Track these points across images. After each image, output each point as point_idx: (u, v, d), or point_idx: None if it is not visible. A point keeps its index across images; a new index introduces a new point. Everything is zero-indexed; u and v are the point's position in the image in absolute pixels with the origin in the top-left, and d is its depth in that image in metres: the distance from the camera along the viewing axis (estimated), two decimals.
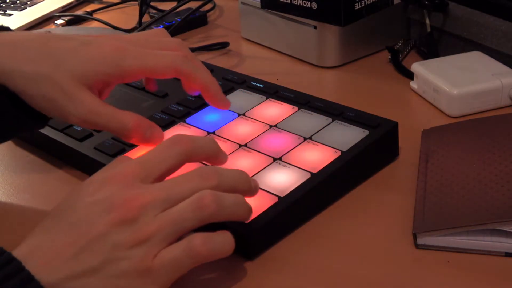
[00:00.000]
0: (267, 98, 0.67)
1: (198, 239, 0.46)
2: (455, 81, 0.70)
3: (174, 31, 0.95)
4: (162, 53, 0.55)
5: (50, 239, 0.45)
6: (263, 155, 0.59)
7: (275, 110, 0.65)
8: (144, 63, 0.54)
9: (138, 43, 0.56)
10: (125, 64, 0.54)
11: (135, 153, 0.62)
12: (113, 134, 0.55)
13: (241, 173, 0.50)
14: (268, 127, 0.63)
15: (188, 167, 0.50)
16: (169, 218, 0.45)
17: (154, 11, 1.05)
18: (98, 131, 0.65)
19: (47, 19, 1.10)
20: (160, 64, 0.54)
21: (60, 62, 0.53)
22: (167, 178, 0.49)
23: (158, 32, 0.59)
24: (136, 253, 0.44)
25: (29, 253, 0.44)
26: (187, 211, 0.46)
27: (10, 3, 1.16)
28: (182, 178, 0.48)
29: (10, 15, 1.10)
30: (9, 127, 0.56)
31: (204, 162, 0.54)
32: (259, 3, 0.88)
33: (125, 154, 0.61)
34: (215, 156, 0.52)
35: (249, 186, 0.50)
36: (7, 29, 0.59)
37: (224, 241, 0.47)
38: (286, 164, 0.57)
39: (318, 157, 0.58)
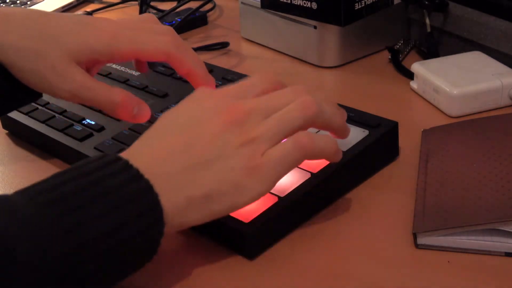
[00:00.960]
0: None
1: (303, 134, 0.49)
2: (455, 81, 0.70)
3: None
4: (154, 38, 0.57)
5: (160, 140, 0.48)
6: None
7: None
8: (136, 47, 0.56)
9: (131, 26, 0.58)
10: (118, 46, 0.56)
11: None
12: (101, 109, 0.56)
13: (335, 105, 0.55)
14: None
15: None
16: (277, 118, 0.49)
17: (154, 11, 1.05)
18: (99, 131, 0.65)
19: None
20: (152, 49, 0.56)
21: (53, 39, 0.55)
22: None
23: (149, 18, 0.60)
24: (244, 151, 0.47)
25: (139, 151, 0.47)
26: (293, 110, 0.49)
27: (10, 3, 1.16)
28: (281, 93, 0.52)
29: None
30: (2, 99, 0.57)
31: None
32: (259, 3, 0.88)
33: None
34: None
35: (344, 127, 0.55)
36: None
37: (328, 140, 0.51)
38: None
39: None
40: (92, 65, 0.58)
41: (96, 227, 0.41)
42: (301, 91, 0.52)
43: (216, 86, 0.70)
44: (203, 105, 0.50)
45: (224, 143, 0.47)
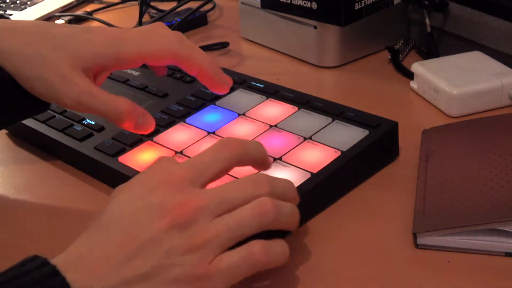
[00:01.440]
0: (267, 98, 0.67)
1: (258, 246, 0.44)
2: (455, 81, 0.70)
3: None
4: (159, 39, 0.56)
5: (97, 246, 0.43)
6: None
7: (275, 110, 0.65)
8: (141, 48, 0.55)
9: (137, 32, 0.57)
10: (123, 49, 0.55)
11: (137, 153, 0.62)
12: (106, 118, 0.55)
13: (289, 182, 0.49)
14: (268, 127, 0.63)
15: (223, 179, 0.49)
16: (228, 223, 0.44)
17: (154, 11, 1.05)
18: (99, 131, 0.65)
19: (47, 19, 1.10)
20: (157, 49, 0.55)
21: (58, 46, 0.54)
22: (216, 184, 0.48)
23: (157, 24, 0.59)
24: (191, 259, 0.43)
25: (73, 262, 0.42)
26: (248, 217, 0.45)
27: (10, 3, 1.16)
28: (235, 184, 0.47)
29: (10, 15, 1.10)
30: (10, 110, 0.57)
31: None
32: (259, 3, 0.88)
33: (127, 153, 0.61)
34: (262, 161, 0.50)
35: (296, 195, 0.49)
36: (7, 18, 0.60)
37: (281, 249, 0.46)
38: (286, 164, 0.57)
39: (318, 157, 0.58)
40: (98, 72, 0.56)
41: None
42: (262, 184, 0.46)
43: None
44: (148, 199, 0.44)
45: (167, 251, 0.42)
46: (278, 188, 0.48)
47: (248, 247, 0.44)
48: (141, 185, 0.46)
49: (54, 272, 0.40)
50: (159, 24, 0.59)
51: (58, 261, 0.42)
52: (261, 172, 0.51)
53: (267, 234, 0.46)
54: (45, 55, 0.53)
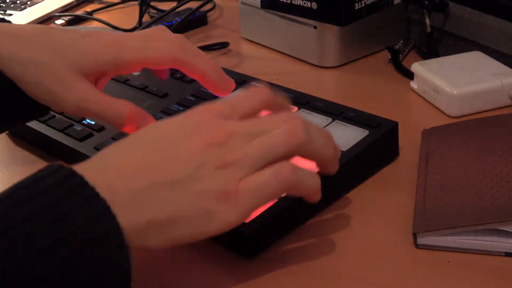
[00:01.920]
0: None
1: (288, 165, 0.45)
2: (455, 81, 0.70)
3: (174, 31, 0.95)
4: (159, 44, 0.56)
5: (131, 152, 0.44)
6: None
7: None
8: (141, 54, 0.55)
9: (137, 36, 0.57)
10: (123, 55, 0.55)
11: None
12: (107, 122, 0.55)
13: (326, 131, 0.50)
14: None
15: None
16: (259, 143, 0.45)
17: (154, 11, 1.05)
18: (99, 131, 0.65)
19: (47, 19, 1.10)
20: (158, 55, 0.55)
21: (58, 52, 0.54)
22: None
23: (158, 28, 0.59)
24: (222, 174, 0.43)
25: (100, 164, 0.43)
26: (278, 136, 0.46)
27: (10, 3, 1.16)
28: (268, 118, 0.48)
29: (10, 15, 1.10)
30: (10, 114, 0.57)
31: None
32: (259, 3, 0.88)
33: None
34: (288, 108, 0.52)
35: (336, 145, 0.51)
36: (8, 22, 0.60)
37: (312, 177, 0.47)
38: None
39: None
40: (99, 77, 0.56)
41: (47, 261, 0.36)
42: (294, 118, 0.48)
43: None
44: (184, 121, 0.46)
45: (200, 164, 0.43)
46: (315, 141, 0.48)
47: (278, 167, 0.45)
48: (177, 115, 0.47)
49: (71, 173, 0.40)
50: (161, 27, 0.59)
51: (81, 166, 0.41)
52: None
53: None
54: (45, 62, 0.53)
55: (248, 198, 0.44)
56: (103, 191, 0.39)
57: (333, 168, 0.51)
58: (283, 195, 0.49)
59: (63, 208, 0.38)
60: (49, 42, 0.55)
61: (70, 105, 0.53)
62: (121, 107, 0.54)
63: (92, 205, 0.39)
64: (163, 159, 0.43)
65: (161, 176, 0.42)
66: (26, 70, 0.53)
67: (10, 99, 0.55)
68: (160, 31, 0.58)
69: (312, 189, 0.47)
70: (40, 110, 0.57)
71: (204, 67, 0.56)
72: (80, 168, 0.41)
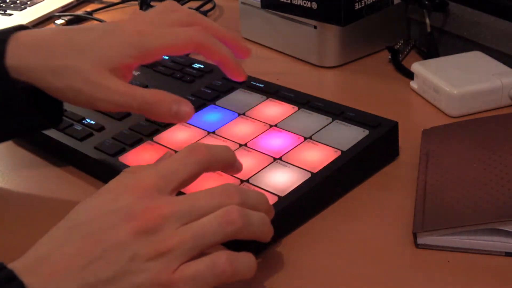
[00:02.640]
0: (267, 98, 0.67)
1: (224, 256, 0.43)
2: (455, 81, 0.70)
3: None
4: (181, 30, 0.56)
5: (60, 248, 0.42)
6: (263, 154, 0.59)
7: (275, 109, 0.65)
8: (165, 41, 0.55)
9: (156, 23, 0.57)
10: (148, 45, 0.55)
11: (137, 152, 0.62)
12: (139, 113, 0.54)
13: (262, 194, 0.49)
14: (268, 126, 0.63)
15: (203, 179, 0.49)
16: (193, 231, 0.43)
17: None
18: (99, 131, 0.65)
19: (47, 19, 1.10)
20: (181, 41, 0.55)
21: (84, 53, 0.54)
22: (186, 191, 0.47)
23: (169, 6, 0.59)
24: (155, 265, 0.42)
25: (32, 265, 0.41)
26: (213, 225, 0.44)
27: (10, 3, 1.16)
28: (204, 193, 0.46)
29: (10, 15, 1.10)
30: (24, 124, 0.57)
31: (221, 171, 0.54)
32: (259, 3, 0.88)
33: (127, 153, 0.61)
34: (232, 165, 0.51)
35: (270, 207, 0.49)
36: (25, 27, 0.59)
37: (248, 262, 0.45)
38: (286, 164, 0.57)
39: (318, 156, 0.58)
40: (126, 70, 0.56)
41: None
42: (231, 193, 0.46)
43: (217, 86, 0.71)
44: (115, 205, 0.44)
45: (131, 256, 0.42)
46: (249, 199, 0.47)
47: (213, 257, 0.43)
48: (107, 192, 0.46)
49: (11, 277, 0.39)
50: (170, 5, 0.59)
51: (16, 265, 0.41)
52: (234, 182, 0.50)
53: (241, 244, 0.46)
54: (72, 65, 0.53)
55: (185, 286, 0.42)
56: None
57: (267, 239, 0.48)
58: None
59: None
60: (73, 45, 0.55)
61: (103, 104, 0.53)
62: (148, 94, 0.53)
63: None
64: (94, 255, 0.41)
65: (92, 276, 0.41)
66: (55, 77, 0.53)
67: (21, 110, 0.55)
68: (174, 11, 0.58)
69: (249, 274, 0.45)
70: (51, 121, 0.58)
71: (224, 52, 0.57)
72: (17, 267, 0.40)
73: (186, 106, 0.53)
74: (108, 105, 0.53)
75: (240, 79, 0.59)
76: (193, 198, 0.46)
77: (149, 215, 0.43)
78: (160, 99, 0.53)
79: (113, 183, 0.47)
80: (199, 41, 0.55)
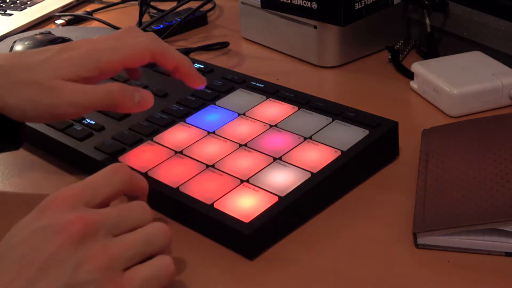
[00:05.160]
0: (267, 98, 0.67)
1: (167, 259, 0.45)
2: (455, 81, 0.70)
3: (174, 31, 0.95)
4: (135, 41, 0.57)
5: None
6: (263, 154, 0.59)
7: (275, 110, 0.65)
8: (120, 54, 0.56)
9: (111, 38, 0.58)
10: (103, 59, 0.56)
11: (137, 152, 0.62)
12: (103, 107, 0.55)
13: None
14: (268, 126, 0.63)
15: None
16: (130, 240, 0.44)
17: (154, 11, 1.05)
18: (99, 131, 0.65)
19: (47, 19, 1.10)
20: (135, 50, 0.57)
21: (36, 70, 0.55)
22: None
23: (129, 29, 0.61)
24: (102, 274, 0.41)
25: None
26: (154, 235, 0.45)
27: (10, 3, 1.16)
28: (125, 206, 0.47)
29: (10, 15, 1.10)
30: None
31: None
32: (259, 3, 0.88)
33: (127, 153, 0.61)
34: (144, 197, 0.51)
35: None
36: None
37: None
38: (286, 164, 0.57)
39: (318, 156, 0.58)
40: (85, 83, 0.56)
41: None
42: (146, 211, 0.47)
43: (217, 86, 0.71)
44: (41, 221, 0.43)
45: (74, 268, 0.41)
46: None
47: (159, 260, 0.44)
48: (34, 210, 0.45)
49: None
50: (131, 27, 0.61)
51: None
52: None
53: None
54: (25, 79, 0.54)
55: None
56: None
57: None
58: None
59: None
60: (26, 65, 0.55)
61: (63, 106, 0.54)
62: (109, 86, 0.55)
63: None
64: (33, 276, 0.40)
65: None
66: (8, 93, 0.54)
67: None
68: (131, 30, 0.60)
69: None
70: (7, 145, 0.59)
71: (179, 58, 0.58)
72: None
73: (146, 94, 0.56)
74: (70, 109, 0.54)
75: (200, 85, 0.61)
76: (117, 210, 0.45)
77: (77, 224, 0.42)
78: (122, 87, 0.55)
79: (41, 203, 0.46)
80: (154, 49, 0.57)
